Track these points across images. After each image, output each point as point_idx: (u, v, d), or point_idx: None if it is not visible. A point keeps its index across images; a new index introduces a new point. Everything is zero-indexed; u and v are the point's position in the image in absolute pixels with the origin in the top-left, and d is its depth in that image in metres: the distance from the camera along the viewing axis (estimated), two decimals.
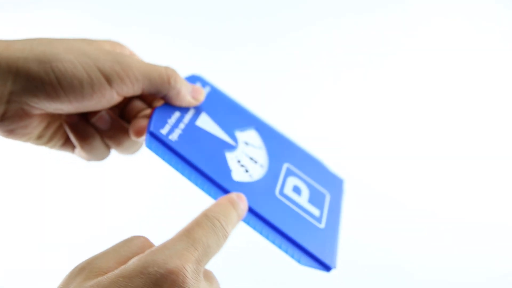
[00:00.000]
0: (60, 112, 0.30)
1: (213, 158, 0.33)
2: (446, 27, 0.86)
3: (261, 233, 0.32)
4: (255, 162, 0.35)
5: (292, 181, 0.35)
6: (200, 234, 0.25)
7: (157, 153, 0.32)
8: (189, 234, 0.25)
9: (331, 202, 0.36)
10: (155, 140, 0.32)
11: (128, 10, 0.86)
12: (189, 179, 0.32)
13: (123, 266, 0.23)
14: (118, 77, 0.29)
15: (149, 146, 0.32)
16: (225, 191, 0.31)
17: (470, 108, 0.80)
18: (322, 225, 0.34)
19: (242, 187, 0.32)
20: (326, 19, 0.86)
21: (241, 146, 0.35)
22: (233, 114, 0.37)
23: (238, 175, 0.33)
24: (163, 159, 0.32)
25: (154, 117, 0.32)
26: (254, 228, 0.32)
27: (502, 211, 0.70)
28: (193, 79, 0.37)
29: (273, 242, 0.33)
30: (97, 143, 0.34)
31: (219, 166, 0.33)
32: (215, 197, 0.32)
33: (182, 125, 0.33)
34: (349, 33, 0.85)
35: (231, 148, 0.34)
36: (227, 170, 0.33)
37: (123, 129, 0.34)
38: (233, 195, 0.30)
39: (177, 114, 0.33)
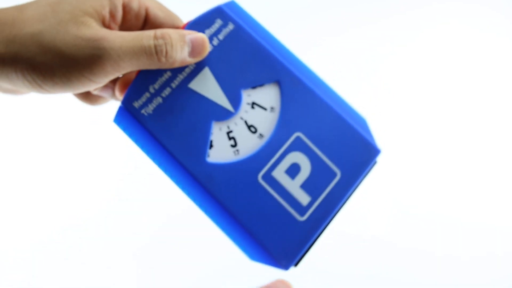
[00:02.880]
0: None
1: (190, 133, 0.29)
2: (446, 30, 0.86)
3: (215, 220, 0.29)
4: (254, 131, 0.30)
5: (292, 158, 0.30)
6: None
7: (125, 131, 0.30)
8: None
9: (337, 185, 0.30)
10: (124, 116, 0.29)
11: None
12: (157, 163, 0.29)
13: None
14: (102, 73, 0.26)
15: (117, 122, 0.29)
16: (192, 175, 0.28)
17: (472, 109, 0.80)
18: (303, 217, 0.29)
19: (214, 170, 0.29)
20: (326, 20, 0.86)
21: (242, 110, 0.30)
22: (251, 64, 0.31)
23: (217, 153, 0.29)
24: (131, 138, 0.30)
25: (132, 86, 0.29)
26: (209, 214, 0.29)
27: (503, 211, 0.70)
28: (213, 15, 0.31)
29: (220, 226, 0.29)
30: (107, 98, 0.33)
31: (195, 143, 0.29)
32: (182, 187, 0.29)
33: (166, 92, 0.29)
34: (349, 35, 0.85)
35: (226, 115, 0.30)
36: (203, 148, 0.29)
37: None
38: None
39: (165, 76, 0.30)
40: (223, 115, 0.30)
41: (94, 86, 0.27)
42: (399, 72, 0.83)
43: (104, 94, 0.33)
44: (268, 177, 0.30)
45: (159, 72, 0.29)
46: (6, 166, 0.71)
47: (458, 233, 0.68)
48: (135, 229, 0.67)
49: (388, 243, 0.66)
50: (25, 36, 0.26)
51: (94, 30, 0.26)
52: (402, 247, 0.66)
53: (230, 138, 0.30)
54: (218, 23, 0.31)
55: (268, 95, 0.31)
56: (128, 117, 0.29)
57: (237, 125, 0.30)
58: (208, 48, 0.30)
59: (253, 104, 0.31)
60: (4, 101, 0.73)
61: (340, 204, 0.30)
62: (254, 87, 0.31)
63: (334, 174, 0.30)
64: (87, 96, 0.33)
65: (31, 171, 0.71)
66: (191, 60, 0.29)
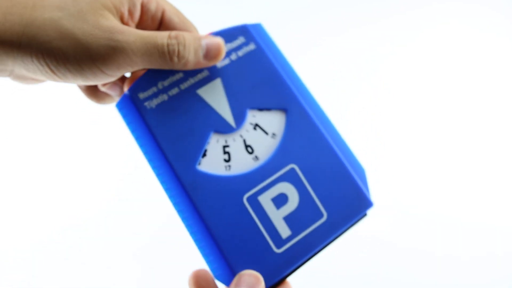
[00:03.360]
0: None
1: (187, 137, 0.29)
2: (446, 30, 0.86)
3: (189, 228, 0.29)
4: (250, 151, 0.30)
5: (282, 188, 0.29)
6: None
7: (123, 118, 0.29)
8: None
9: (321, 227, 0.29)
10: (127, 103, 0.29)
11: None
12: (147, 158, 0.29)
13: None
14: (115, 66, 0.27)
15: (118, 107, 0.30)
16: (178, 178, 0.28)
17: (473, 109, 0.80)
18: (279, 250, 0.28)
19: (201, 179, 0.28)
20: (325, 23, 0.86)
21: (244, 129, 0.30)
22: (263, 87, 0.31)
23: (209, 163, 0.29)
24: (128, 126, 0.29)
25: (142, 77, 0.29)
26: (185, 221, 0.29)
27: (503, 211, 0.70)
28: (237, 31, 0.31)
29: (193, 236, 0.29)
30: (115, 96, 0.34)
31: (189, 148, 0.29)
32: (166, 187, 0.29)
33: (173, 91, 0.30)
34: (348, 38, 0.85)
35: (227, 129, 0.30)
36: (195, 155, 0.29)
37: None
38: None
39: (176, 76, 0.30)
40: (224, 128, 0.30)
41: (105, 78, 0.28)
42: (399, 72, 0.84)
43: (112, 91, 0.33)
44: (253, 200, 0.29)
45: (172, 71, 0.30)
46: (6, 166, 0.71)
47: (458, 234, 0.68)
48: (135, 229, 0.67)
49: (388, 243, 0.66)
50: (45, 20, 0.26)
51: (111, 23, 0.27)
52: (401, 247, 0.66)
53: (225, 152, 0.30)
54: (240, 40, 0.31)
55: (272, 121, 0.31)
56: (131, 106, 0.29)
57: (235, 142, 0.30)
58: (224, 52, 0.29)
59: (256, 126, 0.30)
60: (4, 101, 0.73)
61: (320, 247, 0.29)
62: (261, 109, 0.31)
63: (321, 215, 0.29)
64: (94, 93, 0.34)
65: (31, 171, 0.71)
66: (206, 63, 0.29)
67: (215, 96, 0.30)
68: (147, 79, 0.29)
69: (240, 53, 0.31)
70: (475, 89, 0.82)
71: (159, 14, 0.30)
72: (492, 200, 0.71)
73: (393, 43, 0.84)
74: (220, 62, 0.30)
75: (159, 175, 0.29)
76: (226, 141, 0.30)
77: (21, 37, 0.26)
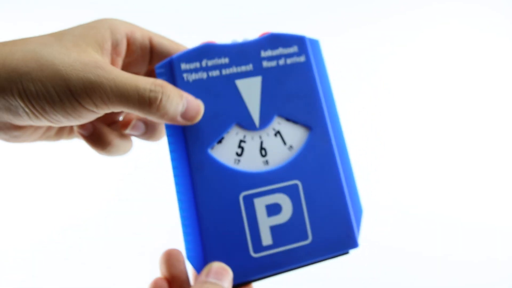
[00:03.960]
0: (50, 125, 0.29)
1: (210, 120, 0.29)
2: (446, 30, 0.86)
3: (180, 208, 0.29)
4: (263, 154, 0.30)
5: (279, 198, 0.30)
6: None
7: (157, 76, 0.30)
8: None
9: (302, 248, 0.30)
10: (167, 68, 0.29)
11: None
12: (166, 129, 0.30)
13: None
14: (90, 100, 0.26)
15: (157, 67, 0.30)
16: (187, 154, 0.29)
17: (473, 109, 0.81)
18: (255, 254, 0.29)
19: (208, 162, 0.29)
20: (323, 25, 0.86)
21: (265, 132, 0.31)
22: (298, 100, 0.31)
23: (221, 151, 0.30)
24: None
25: (191, 50, 0.30)
26: (179, 199, 0.30)
27: (503, 212, 0.71)
28: (294, 40, 0.31)
29: (182, 216, 0.29)
30: (118, 145, 0.33)
31: (208, 130, 0.29)
32: (173, 158, 0.29)
33: (214, 73, 0.30)
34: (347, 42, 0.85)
35: (249, 126, 0.30)
36: (211, 138, 0.29)
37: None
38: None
39: (222, 61, 0.30)
40: (247, 124, 0.30)
41: (86, 114, 0.27)
42: (399, 72, 0.84)
43: (135, 131, 0.33)
44: (249, 201, 0.29)
45: (221, 53, 0.30)
46: (6, 165, 0.71)
47: (458, 234, 0.68)
48: (135, 229, 0.67)
49: (388, 243, 0.67)
50: (25, 52, 0.26)
51: (94, 58, 0.27)
52: (401, 247, 0.66)
53: (239, 146, 0.30)
54: (294, 49, 0.32)
55: (294, 134, 0.31)
56: (169, 71, 0.29)
57: (252, 140, 0.30)
58: (200, 117, 0.29)
59: (278, 133, 0.31)
60: None
61: (294, 266, 0.30)
62: (288, 119, 0.31)
63: (306, 237, 0.30)
64: (100, 141, 0.33)
65: (31, 171, 0.71)
66: (181, 121, 0.28)
67: (251, 92, 0.31)
68: (195, 53, 0.30)
69: (289, 61, 0.31)
70: (475, 89, 0.82)
71: (146, 41, 0.31)
72: (492, 200, 0.72)
73: (392, 43, 0.84)
74: (267, 63, 0.31)
75: (172, 151, 0.30)
76: (244, 137, 0.30)
77: (0, 71, 0.25)
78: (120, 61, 0.30)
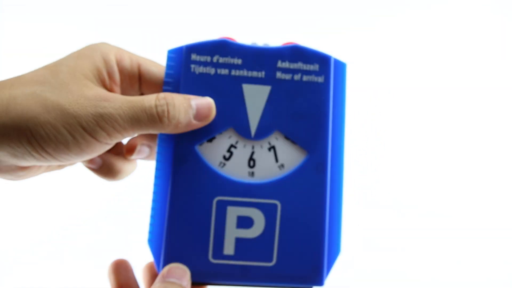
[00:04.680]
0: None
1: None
2: (446, 29, 0.86)
3: (153, 197, 0.29)
4: (251, 165, 0.30)
5: (254, 213, 0.29)
6: None
7: (167, 62, 0.29)
8: None
9: (261, 270, 0.29)
10: (178, 55, 0.29)
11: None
12: None
13: None
14: (105, 133, 0.26)
15: (169, 52, 0.29)
16: (174, 147, 0.29)
17: (473, 109, 0.80)
18: (213, 260, 0.29)
19: (192, 158, 0.28)
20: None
21: (259, 143, 0.30)
22: (305, 121, 0.29)
23: (209, 150, 0.29)
24: (166, 71, 0.29)
25: (208, 42, 0.29)
26: (154, 190, 0.29)
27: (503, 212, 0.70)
28: (317, 58, 0.29)
29: (153, 206, 0.29)
30: (126, 170, 0.34)
31: (200, 129, 0.29)
32: (158, 161, 0.29)
33: (223, 71, 0.29)
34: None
35: (244, 134, 0.29)
36: (203, 136, 0.29)
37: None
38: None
39: (234, 61, 0.29)
40: (243, 131, 0.29)
41: (98, 146, 0.27)
42: (399, 71, 0.83)
43: (140, 156, 0.32)
44: (221, 207, 0.29)
45: (235, 53, 0.29)
46: None
47: (458, 234, 0.68)
48: (134, 229, 0.67)
49: (387, 243, 0.67)
50: (27, 96, 0.25)
51: (96, 91, 0.27)
52: (401, 247, 0.66)
53: (229, 151, 0.29)
54: (314, 67, 0.29)
55: (290, 154, 0.30)
56: (179, 58, 0.29)
57: (244, 148, 0.30)
58: (214, 112, 0.28)
59: (272, 148, 0.30)
60: None
61: (250, 284, 0.29)
62: (287, 137, 0.30)
63: (269, 259, 0.29)
64: (109, 170, 0.33)
65: None
66: (197, 124, 0.28)
67: (255, 100, 0.29)
68: (208, 46, 0.29)
69: (306, 78, 0.29)
70: (475, 89, 0.82)
71: (135, 69, 0.30)
72: (492, 200, 0.71)
73: (392, 43, 0.84)
74: (281, 75, 0.29)
75: (160, 142, 0.29)
76: (237, 142, 0.29)
77: (4, 119, 0.25)
78: (118, 89, 0.30)
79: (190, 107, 0.28)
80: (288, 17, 0.83)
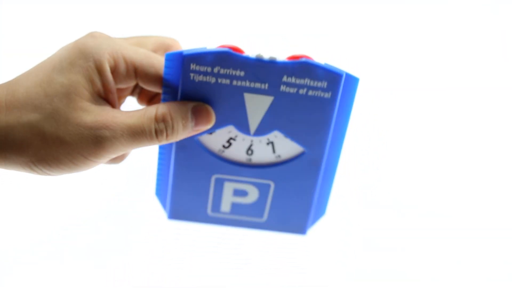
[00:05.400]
0: None
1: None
2: (445, 28, 0.86)
3: (160, 157, 0.31)
4: (249, 153, 0.31)
5: (248, 188, 0.32)
6: None
7: (165, 68, 0.29)
8: None
9: (254, 222, 0.34)
10: (177, 62, 0.28)
11: None
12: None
13: None
14: (106, 157, 0.28)
15: (167, 57, 0.28)
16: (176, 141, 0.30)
17: (473, 109, 0.80)
18: (211, 213, 0.33)
19: (194, 146, 0.30)
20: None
21: (258, 139, 0.31)
22: (307, 129, 0.29)
23: (208, 140, 0.30)
24: (164, 77, 0.29)
25: (209, 52, 0.27)
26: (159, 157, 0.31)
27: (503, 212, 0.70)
28: (327, 75, 0.28)
29: (160, 165, 0.32)
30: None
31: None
32: (161, 147, 0.31)
33: (224, 81, 0.28)
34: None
35: (243, 130, 0.30)
36: (203, 132, 0.30)
37: None
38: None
39: (236, 73, 0.27)
40: (242, 128, 0.30)
41: (105, 161, 0.29)
42: (399, 71, 0.83)
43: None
44: (219, 182, 0.32)
45: (238, 66, 0.27)
46: None
47: (458, 234, 0.68)
48: (134, 229, 0.67)
49: (387, 243, 0.66)
50: (24, 126, 0.26)
51: (94, 117, 0.27)
52: (401, 247, 0.66)
53: (228, 142, 0.31)
54: (322, 83, 0.28)
55: (288, 148, 0.31)
56: (178, 65, 0.28)
57: (243, 141, 0.31)
58: (214, 121, 0.29)
59: (270, 143, 0.31)
60: None
61: (243, 227, 0.34)
62: (286, 137, 0.30)
63: (261, 216, 0.33)
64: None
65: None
66: (198, 130, 0.29)
67: (256, 108, 0.29)
68: (210, 57, 0.27)
69: (311, 93, 0.28)
70: (475, 90, 0.82)
71: (131, 73, 0.29)
72: (493, 200, 0.71)
73: (394, 42, 0.84)
74: (286, 88, 0.28)
75: None
76: (236, 136, 0.30)
77: (4, 148, 0.26)
78: (114, 96, 0.30)
79: (188, 120, 0.28)
80: (288, 17, 0.83)
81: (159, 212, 0.67)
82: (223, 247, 0.62)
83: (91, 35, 0.29)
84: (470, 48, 0.84)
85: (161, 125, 0.28)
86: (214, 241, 0.63)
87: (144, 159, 0.65)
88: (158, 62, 0.30)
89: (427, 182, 0.73)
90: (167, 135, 0.28)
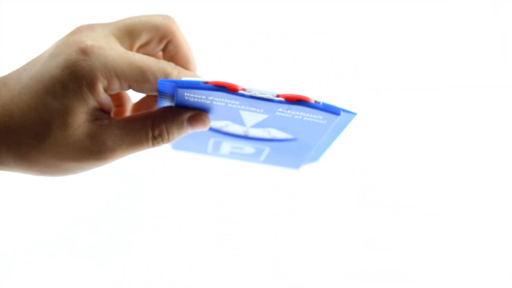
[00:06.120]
0: None
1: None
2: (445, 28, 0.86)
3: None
4: (244, 132, 0.33)
5: (246, 147, 0.36)
6: None
7: (159, 91, 0.29)
8: None
9: (252, 159, 0.38)
10: (169, 91, 0.28)
11: None
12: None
13: None
14: (105, 162, 0.29)
15: (160, 84, 0.28)
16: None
17: (474, 109, 0.80)
18: (211, 152, 0.37)
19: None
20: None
21: (253, 129, 0.32)
22: (298, 131, 0.32)
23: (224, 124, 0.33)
24: (160, 90, 0.29)
25: (203, 87, 0.27)
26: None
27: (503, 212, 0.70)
28: (323, 111, 0.28)
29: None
30: None
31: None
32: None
33: (220, 103, 0.28)
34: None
35: (238, 123, 0.32)
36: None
37: None
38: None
39: (232, 101, 0.28)
40: (238, 123, 0.32)
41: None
42: (399, 71, 0.83)
43: None
44: (217, 143, 0.36)
45: (232, 99, 0.28)
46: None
47: (458, 234, 0.68)
48: (134, 229, 0.67)
49: (387, 243, 0.66)
50: (12, 148, 0.27)
51: (95, 138, 0.28)
52: (401, 247, 0.66)
53: (224, 124, 0.33)
54: (318, 117, 0.28)
55: (281, 133, 0.33)
56: (170, 90, 0.28)
57: (239, 126, 0.32)
58: (209, 123, 0.31)
59: (264, 130, 0.33)
60: None
61: (243, 160, 0.39)
62: (281, 132, 0.33)
63: (258, 159, 0.38)
64: None
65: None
66: (189, 130, 0.31)
67: (252, 118, 0.31)
68: (204, 90, 0.27)
69: (306, 118, 0.29)
70: (476, 90, 0.82)
71: (126, 88, 0.30)
72: (493, 200, 0.71)
73: (394, 42, 0.84)
74: (282, 111, 0.28)
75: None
76: (232, 123, 0.32)
77: (8, 163, 0.28)
78: (110, 107, 0.31)
79: (184, 129, 0.30)
80: (288, 17, 0.83)
81: (159, 212, 0.68)
82: (223, 247, 0.62)
83: (80, 43, 0.28)
84: (470, 48, 0.84)
85: (158, 139, 0.29)
86: (214, 241, 0.63)
87: (144, 159, 0.65)
88: (152, 77, 0.29)
89: (427, 182, 0.73)
90: (163, 143, 0.30)
